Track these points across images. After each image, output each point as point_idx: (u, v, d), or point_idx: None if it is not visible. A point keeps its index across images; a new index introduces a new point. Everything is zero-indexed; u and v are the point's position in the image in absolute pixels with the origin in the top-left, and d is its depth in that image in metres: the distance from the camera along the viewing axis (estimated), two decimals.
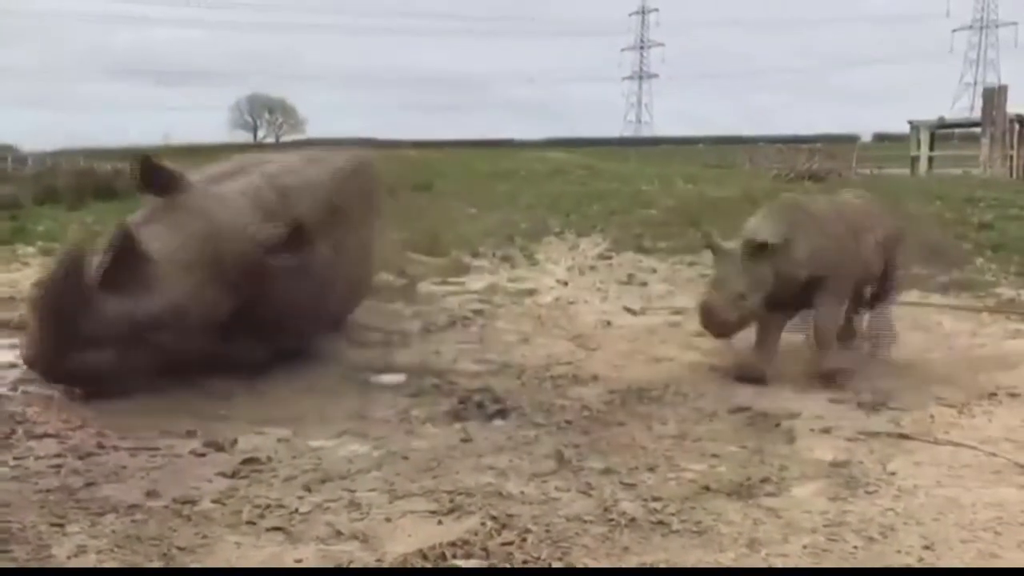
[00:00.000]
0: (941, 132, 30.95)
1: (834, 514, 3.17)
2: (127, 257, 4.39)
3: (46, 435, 3.90)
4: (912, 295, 7.98)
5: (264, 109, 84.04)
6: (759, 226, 5.29)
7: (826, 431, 4.19)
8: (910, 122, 32.14)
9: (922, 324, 6.84)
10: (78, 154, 28.47)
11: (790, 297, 5.25)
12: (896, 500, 3.31)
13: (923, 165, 30.65)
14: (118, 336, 4.35)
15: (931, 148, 30.72)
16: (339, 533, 2.93)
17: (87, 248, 4.51)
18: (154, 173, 4.88)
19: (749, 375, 5.15)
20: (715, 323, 5.12)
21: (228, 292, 4.70)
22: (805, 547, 2.90)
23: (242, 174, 5.37)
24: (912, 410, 4.54)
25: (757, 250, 5.08)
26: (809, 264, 5.21)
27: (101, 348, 4.31)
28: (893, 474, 3.60)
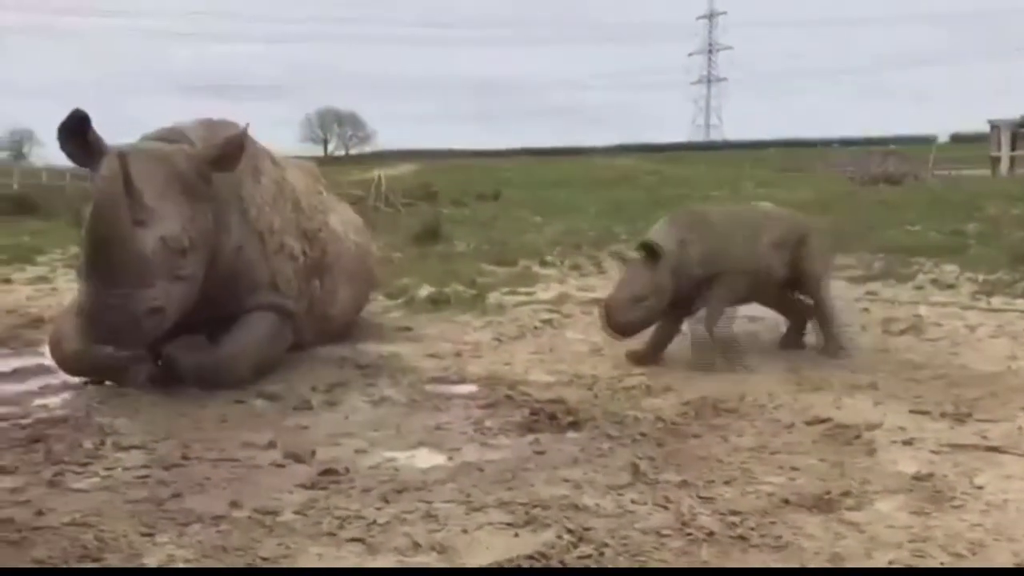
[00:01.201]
0: (1023, 132, 29.89)
1: (919, 529, 3.09)
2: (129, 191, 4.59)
3: (133, 447, 4.03)
4: (995, 301, 7.75)
5: (334, 122, 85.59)
6: (656, 232, 5.83)
7: (908, 443, 4.08)
8: (990, 122, 31.19)
9: (1008, 331, 6.64)
10: None
11: (687, 296, 5.75)
12: (984, 515, 3.21)
13: (1004, 166, 29.68)
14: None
15: (1013, 148, 29.72)
16: (417, 545, 2.96)
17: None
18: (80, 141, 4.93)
19: (639, 361, 5.71)
20: (615, 323, 5.60)
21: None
22: (891, 563, 2.83)
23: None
24: (999, 421, 4.39)
25: (653, 254, 5.58)
26: (701, 265, 5.71)
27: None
28: (981, 488, 3.49)
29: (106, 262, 4.48)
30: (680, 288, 5.67)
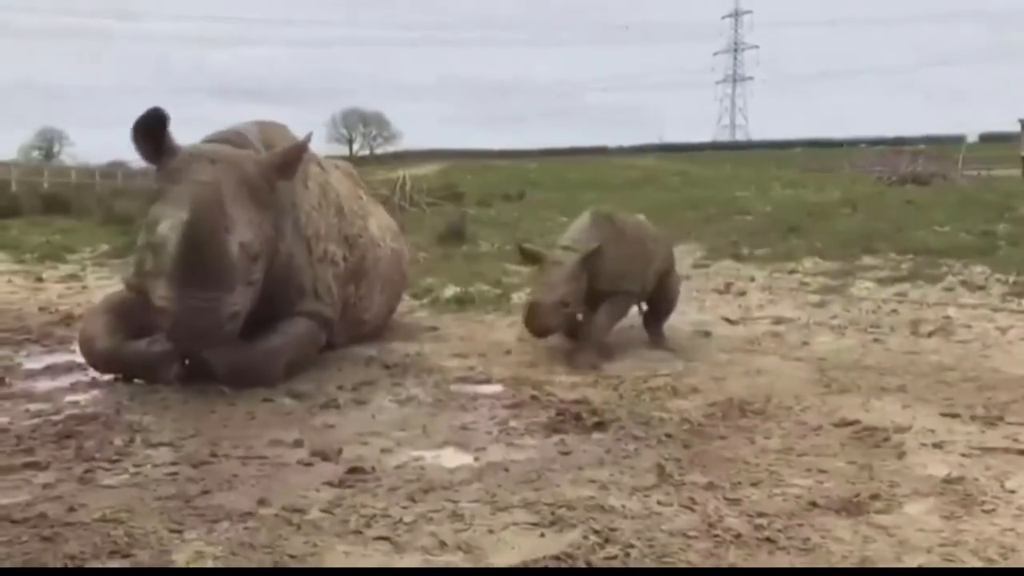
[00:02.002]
0: None
1: (950, 533, 3.06)
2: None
3: (162, 444, 4.07)
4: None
5: (359, 122, 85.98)
6: (579, 237, 6.02)
7: (938, 446, 4.04)
8: (1021, 121, 30.79)
9: None
10: None
11: (594, 299, 6.01)
12: (1017, 520, 3.17)
13: None
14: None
15: None
16: (443, 544, 2.96)
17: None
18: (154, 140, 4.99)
19: (588, 364, 5.75)
20: (540, 326, 5.77)
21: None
22: (920, 567, 2.80)
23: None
24: None
25: (584, 259, 5.80)
26: (612, 274, 5.96)
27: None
28: (1012, 492, 3.44)
29: (201, 267, 4.56)
30: (590, 293, 5.92)
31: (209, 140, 5.41)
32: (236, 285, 4.69)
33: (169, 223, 4.66)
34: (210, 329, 4.65)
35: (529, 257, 6.20)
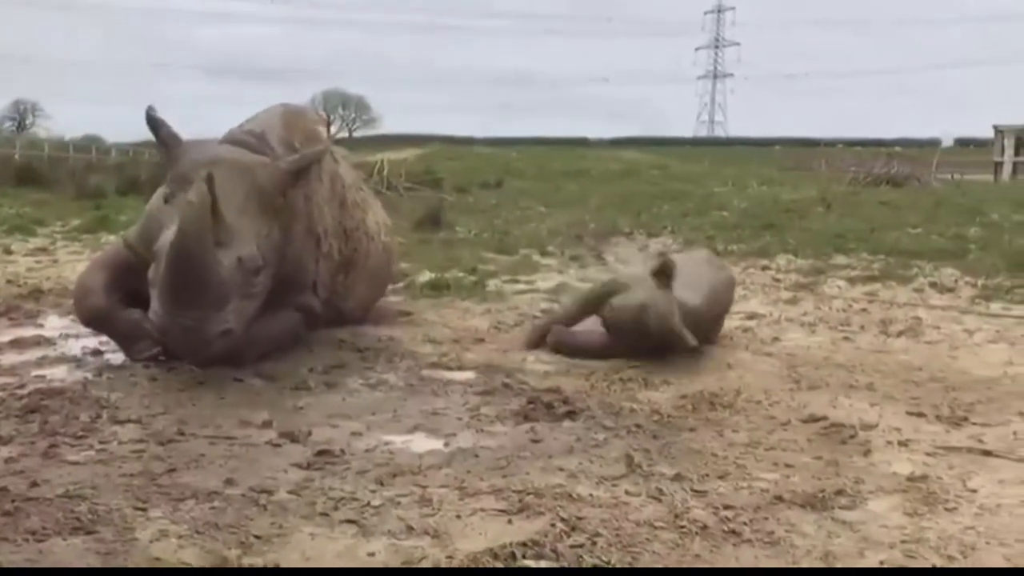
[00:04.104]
0: None
1: (912, 530, 3.10)
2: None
3: (129, 421, 4.03)
4: (995, 306, 7.76)
5: (339, 104, 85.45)
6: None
7: (904, 444, 4.09)
8: (995, 127, 31.17)
9: (1006, 336, 6.64)
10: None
11: None
12: (978, 518, 3.22)
13: (1007, 171, 29.70)
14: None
15: (1016, 154, 29.73)
16: (410, 528, 2.96)
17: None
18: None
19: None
20: None
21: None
22: (882, 563, 2.84)
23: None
24: (995, 426, 4.40)
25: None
26: None
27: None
28: (974, 491, 3.49)
29: (184, 286, 4.46)
30: None
31: (231, 139, 5.38)
32: (228, 302, 4.57)
33: (168, 235, 4.58)
34: (197, 348, 4.57)
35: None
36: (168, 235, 4.56)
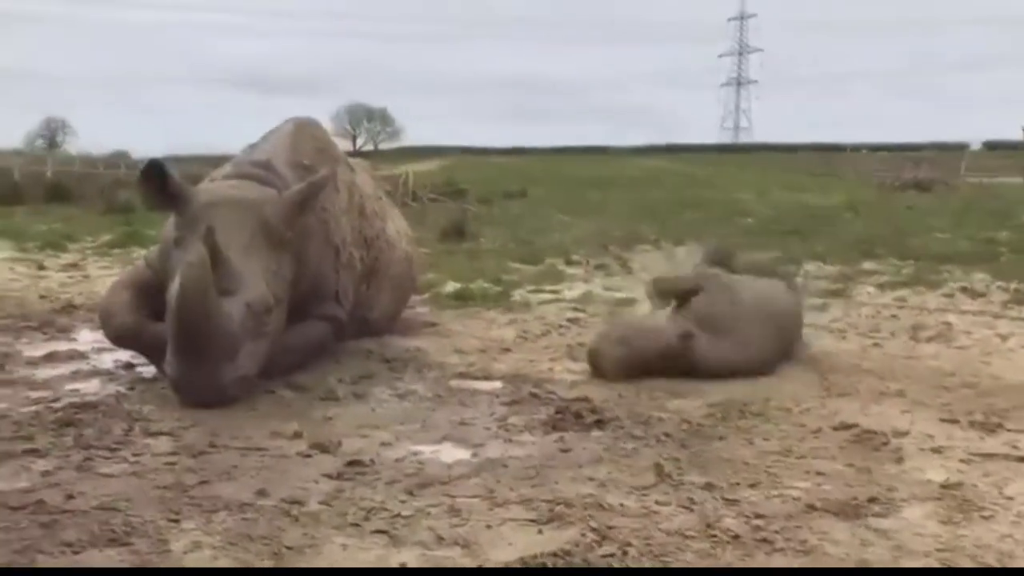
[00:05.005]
0: None
1: (948, 538, 3.06)
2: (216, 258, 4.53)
3: (161, 433, 4.07)
4: None
5: (363, 118, 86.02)
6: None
7: (937, 451, 4.04)
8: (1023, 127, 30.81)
9: None
10: (188, 161, 29.64)
11: None
12: (1015, 526, 3.18)
13: None
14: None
15: None
16: (441, 539, 2.97)
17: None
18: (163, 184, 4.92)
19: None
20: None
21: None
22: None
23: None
24: None
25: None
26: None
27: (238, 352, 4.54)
28: (1011, 498, 3.44)
29: (192, 343, 4.42)
30: None
31: (237, 172, 5.39)
32: (239, 349, 4.53)
33: (174, 287, 4.52)
34: (212, 398, 4.49)
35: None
36: (174, 287, 4.52)
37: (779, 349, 5.64)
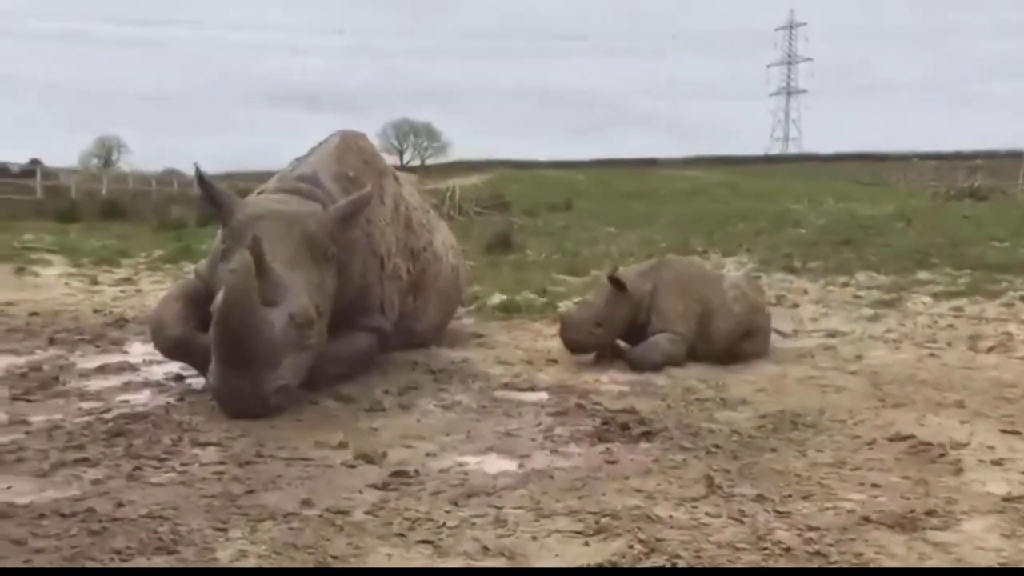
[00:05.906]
0: None
1: (1010, 552, 2.95)
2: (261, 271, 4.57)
3: (209, 443, 4.10)
4: None
5: (410, 133, 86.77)
6: (631, 276, 6.29)
7: (998, 463, 3.91)
8: None
9: None
10: (237, 178, 30.15)
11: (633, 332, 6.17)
12: None
13: None
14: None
15: None
16: (486, 549, 2.93)
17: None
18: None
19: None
20: (567, 340, 6.12)
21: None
22: None
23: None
24: None
25: (619, 294, 6.11)
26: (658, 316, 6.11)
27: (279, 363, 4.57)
28: None
29: (235, 351, 4.46)
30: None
31: (282, 186, 5.45)
32: (281, 359, 4.55)
33: (220, 297, 4.57)
34: (253, 407, 4.50)
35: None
36: (220, 297, 4.56)
37: None
